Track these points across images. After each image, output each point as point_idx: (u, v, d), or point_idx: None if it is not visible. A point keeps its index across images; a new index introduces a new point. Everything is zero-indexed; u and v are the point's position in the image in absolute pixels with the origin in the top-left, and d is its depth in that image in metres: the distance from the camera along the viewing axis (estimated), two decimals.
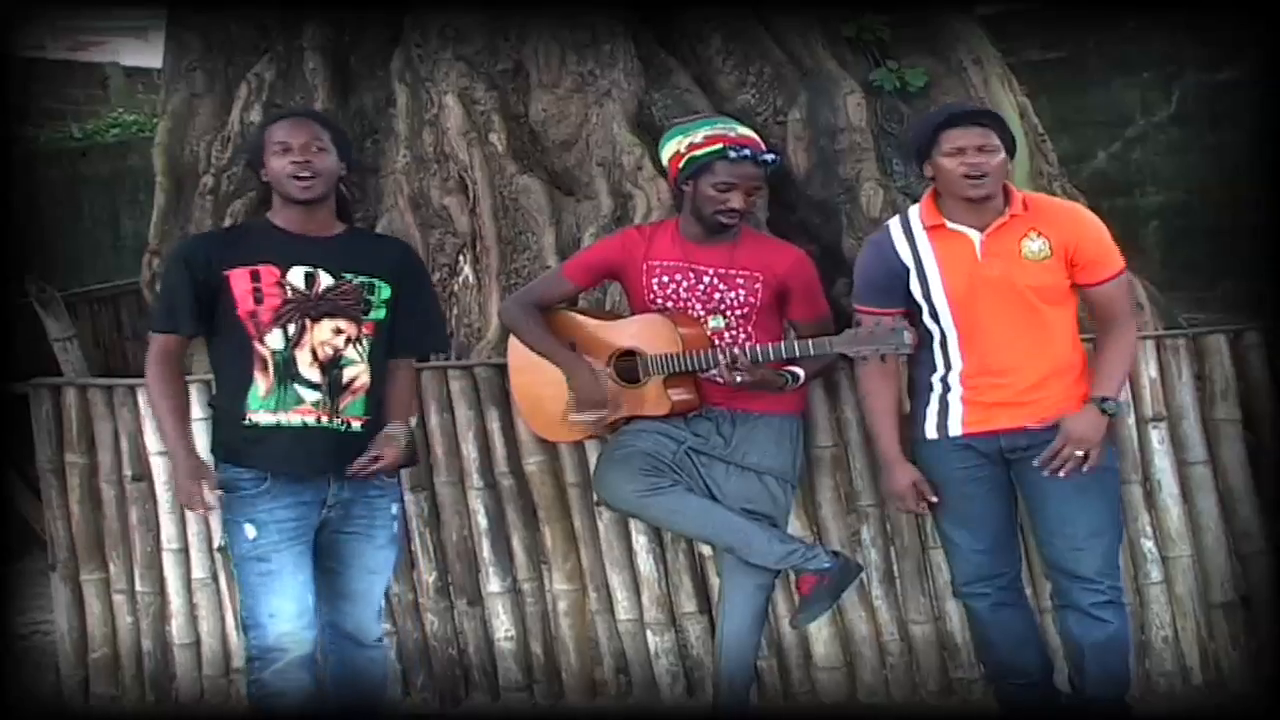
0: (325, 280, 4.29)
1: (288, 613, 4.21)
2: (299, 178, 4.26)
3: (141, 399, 5.63)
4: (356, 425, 4.32)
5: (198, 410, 5.10)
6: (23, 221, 10.64)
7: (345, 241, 4.42)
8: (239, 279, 4.26)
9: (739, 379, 4.50)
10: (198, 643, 5.72)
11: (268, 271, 4.26)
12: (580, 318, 5.06)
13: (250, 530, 4.23)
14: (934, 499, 4.48)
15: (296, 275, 4.27)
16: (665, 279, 4.82)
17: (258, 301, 4.24)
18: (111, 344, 9.12)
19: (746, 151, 4.71)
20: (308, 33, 7.13)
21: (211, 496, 4.25)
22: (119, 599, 5.79)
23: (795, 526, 5.12)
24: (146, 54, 15.02)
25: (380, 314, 4.36)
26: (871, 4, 6.78)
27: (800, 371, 4.69)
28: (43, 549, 6.15)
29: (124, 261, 10.93)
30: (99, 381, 5.81)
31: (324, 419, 4.26)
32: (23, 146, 12.01)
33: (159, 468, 5.63)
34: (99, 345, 8.83)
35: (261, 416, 4.24)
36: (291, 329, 4.24)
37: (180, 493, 4.42)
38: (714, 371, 4.57)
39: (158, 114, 8.85)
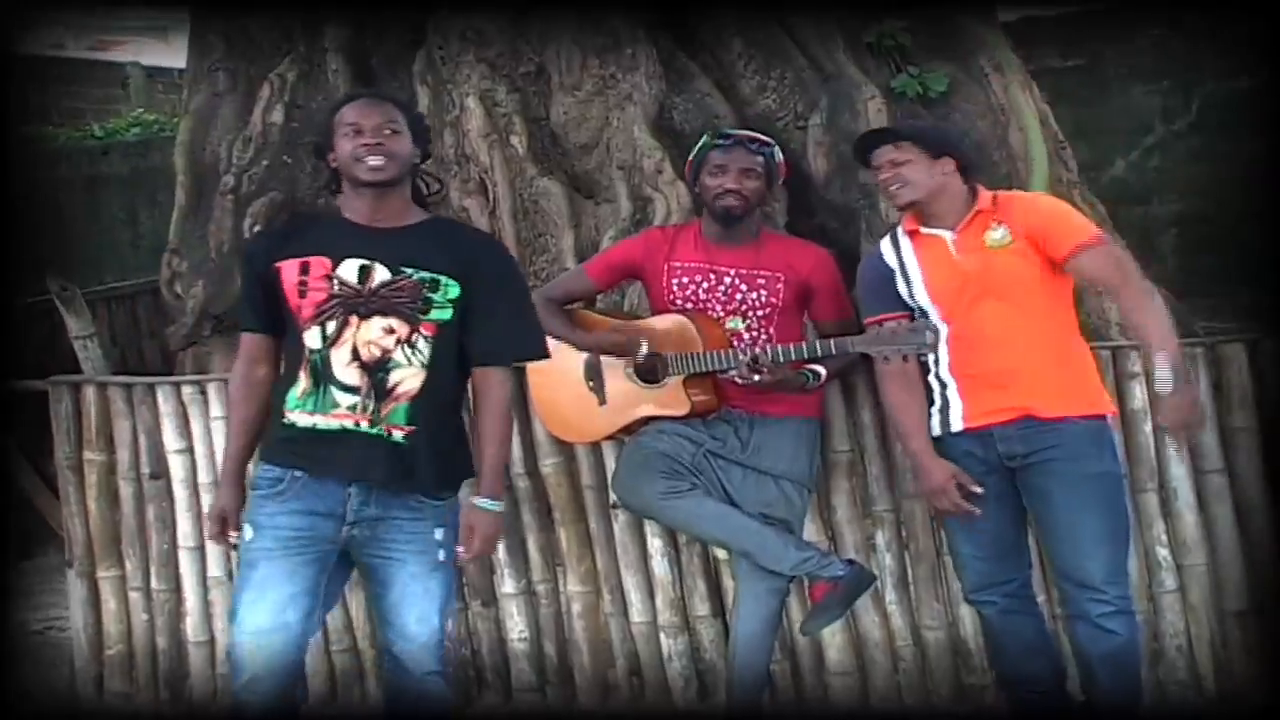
0: (381, 274, 3.98)
1: (254, 622, 3.94)
2: (370, 159, 3.99)
3: (160, 397, 5.66)
4: (398, 435, 3.98)
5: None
6: (42, 219, 10.67)
7: (417, 233, 4.10)
8: (289, 271, 4.02)
9: (759, 378, 4.52)
10: (212, 641, 5.73)
11: (318, 263, 4.00)
12: (600, 318, 5.10)
13: (248, 532, 4.02)
14: (978, 489, 4.42)
15: (349, 269, 3.99)
16: (686, 280, 4.86)
17: (301, 296, 3.99)
18: (128, 342, 9.14)
19: (736, 139, 4.91)
20: (329, 34, 7.16)
21: (233, 536, 4.13)
22: (135, 596, 5.80)
23: (810, 531, 5.12)
24: (167, 54, 15.10)
25: (445, 314, 4.00)
26: (892, 9, 6.79)
27: (821, 370, 4.71)
28: (59, 546, 6.17)
29: (142, 260, 10.96)
30: (118, 380, 5.83)
31: (362, 423, 3.96)
32: (40, 145, 12.05)
33: (176, 466, 5.65)
34: (115, 343, 8.84)
35: (298, 416, 3.99)
36: (331, 327, 3.97)
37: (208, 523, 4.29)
38: (734, 371, 4.59)
39: (179, 113, 8.89)
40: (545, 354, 4.28)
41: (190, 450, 5.60)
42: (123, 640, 5.83)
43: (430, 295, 3.99)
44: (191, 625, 5.75)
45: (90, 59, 15.52)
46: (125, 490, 5.76)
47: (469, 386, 4.18)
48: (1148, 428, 5.08)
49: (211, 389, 5.55)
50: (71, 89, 14.42)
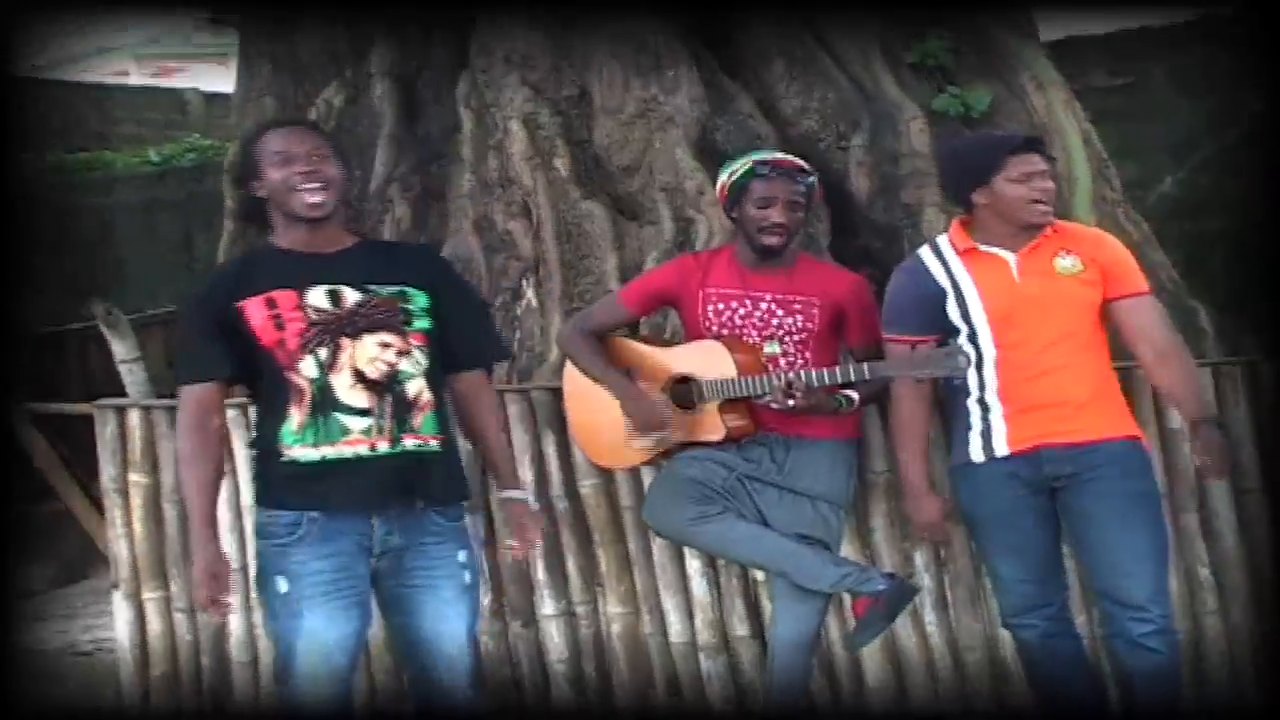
0: (351, 295, 3.86)
1: (318, 674, 3.83)
2: (306, 188, 3.85)
3: None
4: (434, 444, 3.91)
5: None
6: (98, 244, 10.79)
7: (361, 253, 4.00)
8: (254, 309, 3.83)
9: (793, 403, 4.50)
10: (255, 660, 5.75)
11: (284, 297, 3.83)
12: (638, 345, 5.10)
13: (282, 584, 3.84)
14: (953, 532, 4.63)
15: (317, 295, 3.84)
16: (721, 305, 4.84)
17: (279, 328, 3.82)
18: None
19: (779, 168, 4.80)
20: (375, 59, 7.22)
21: (231, 599, 3.96)
22: (179, 617, 5.83)
23: (849, 552, 5.10)
24: (226, 79, 15.27)
25: (425, 324, 3.92)
26: (932, 26, 6.79)
27: (855, 395, 4.69)
28: (107, 567, 6.23)
29: (197, 284, 11.07)
30: (162, 403, 5.87)
31: (380, 445, 3.82)
32: (98, 170, 12.19)
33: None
34: (171, 366, 8.90)
35: (300, 452, 3.82)
36: (324, 353, 3.81)
37: (194, 589, 3.98)
38: (769, 397, 4.58)
39: (233, 138, 8.98)
40: (508, 354, 4.26)
41: (233, 472, 5.61)
42: (168, 660, 5.86)
43: (407, 307, 3.91)
44: (235, 645, 5.77)
45: (152, 85, 15.69)
46: (169, 512, 5.79)
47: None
48: (1187, 448, 5.03)
49: (253, 411, 5.60)
50: (133, 114, 14.58)
